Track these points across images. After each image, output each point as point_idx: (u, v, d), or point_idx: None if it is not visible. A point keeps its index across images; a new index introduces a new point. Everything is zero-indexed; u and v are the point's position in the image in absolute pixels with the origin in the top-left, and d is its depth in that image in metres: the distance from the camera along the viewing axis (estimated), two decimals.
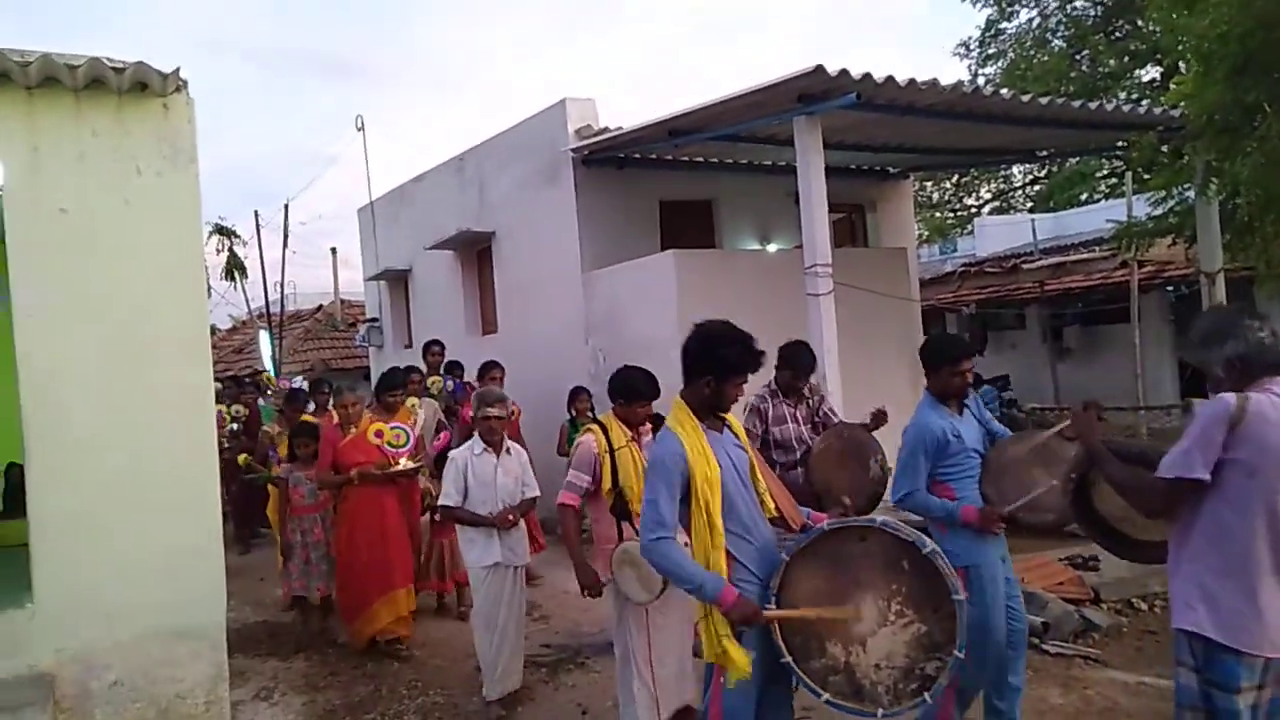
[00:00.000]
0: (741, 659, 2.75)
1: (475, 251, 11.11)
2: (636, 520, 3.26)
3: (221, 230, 24.28)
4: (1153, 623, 5.44)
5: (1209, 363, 2.66)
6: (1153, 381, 12.24)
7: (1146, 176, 9.89)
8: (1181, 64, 9.37)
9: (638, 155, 8.95)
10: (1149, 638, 5.22)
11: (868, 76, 6.14)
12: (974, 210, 21.75)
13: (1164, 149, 8.26)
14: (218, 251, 24.22)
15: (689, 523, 2.86)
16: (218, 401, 7.57)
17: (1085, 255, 13.48)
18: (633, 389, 4.11)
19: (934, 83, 6.48)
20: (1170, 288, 13.11)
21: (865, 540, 2.76)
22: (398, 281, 13.12)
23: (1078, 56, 16.90)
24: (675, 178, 9.43)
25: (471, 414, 5.18)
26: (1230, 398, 2.51)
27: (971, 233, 20.61)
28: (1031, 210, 20.17)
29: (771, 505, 3.03)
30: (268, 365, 16.41)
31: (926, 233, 20.60)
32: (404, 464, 5.68)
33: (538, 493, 4.97)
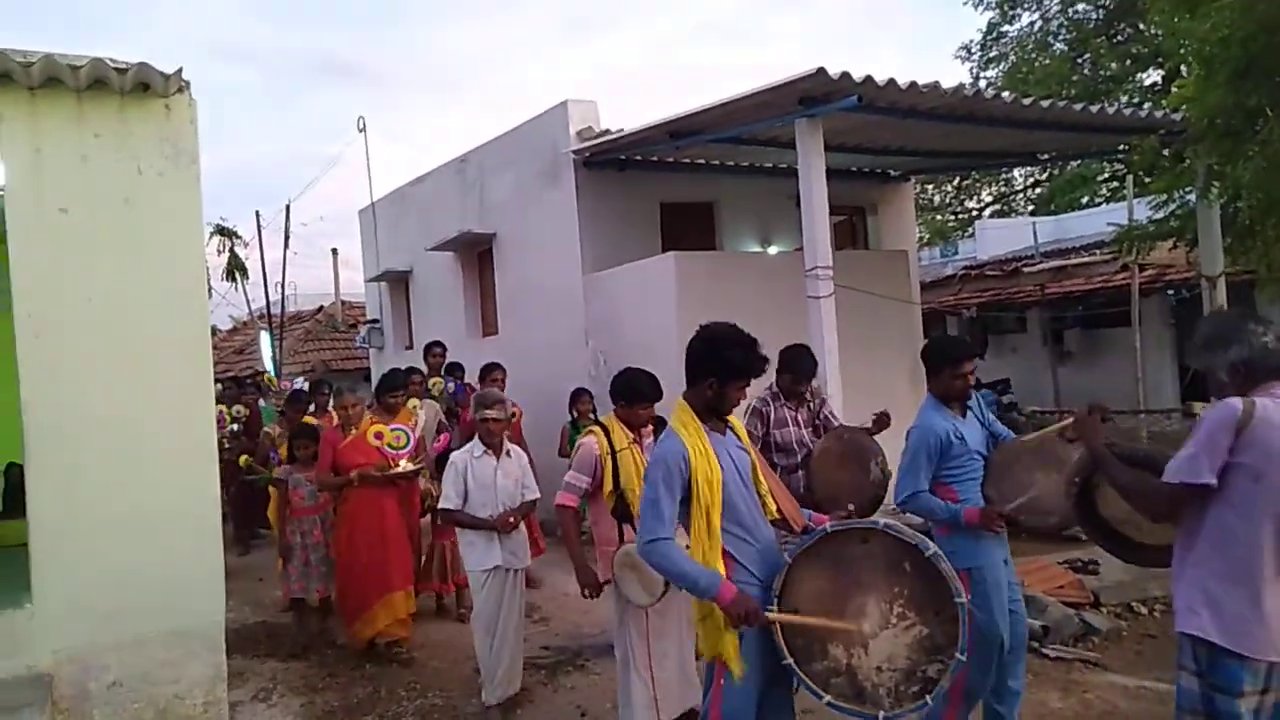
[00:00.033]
0: (734, 660, 2.75)
1: (476, 253, 11.11)
2: (638, 522, 3.25)
3: (223, 231, 24.34)
4: (1152, 627, 5.43)
5: (1213, 367, 2.66)
6: (1153, 385, 12.23)
7: (1148, 180, 9.87)
8: (1183, 67, 9.36)
9: (639, 157, 8.96)
10: (1149, 642, 5.22)
11: (869, 79, 6.14)
12: (975, 213, 21.76)
13: (1165, 152, 8.25)
14: (219, 252, 24.30)
15: (689, 524, 2.86)
16: (218, 402, 7.58)
17: (1086, 259, 13.45)
18: (636, 391, 4.11)
19: (935, 85, 6.49)
20: (1171, 291, 13.09)
21: (867, 542, 2.76)
22: (398, 283, 13.13)
23: (1079, 60, 16.91)
24: (676, 180, 9.44)
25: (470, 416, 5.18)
26: (1236, 402, 2.51)
27: (972, 236, 20.60)
28: (1032, 213, 20.18)
29: (774, 507, 3.03)
30: (268, 366, 16.41)
31: (927, 235, 20.61)
32: (404, 466, 5.68)
33: (538, 495, 4.96)
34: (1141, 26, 15.53)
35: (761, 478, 3.04)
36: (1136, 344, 11.22)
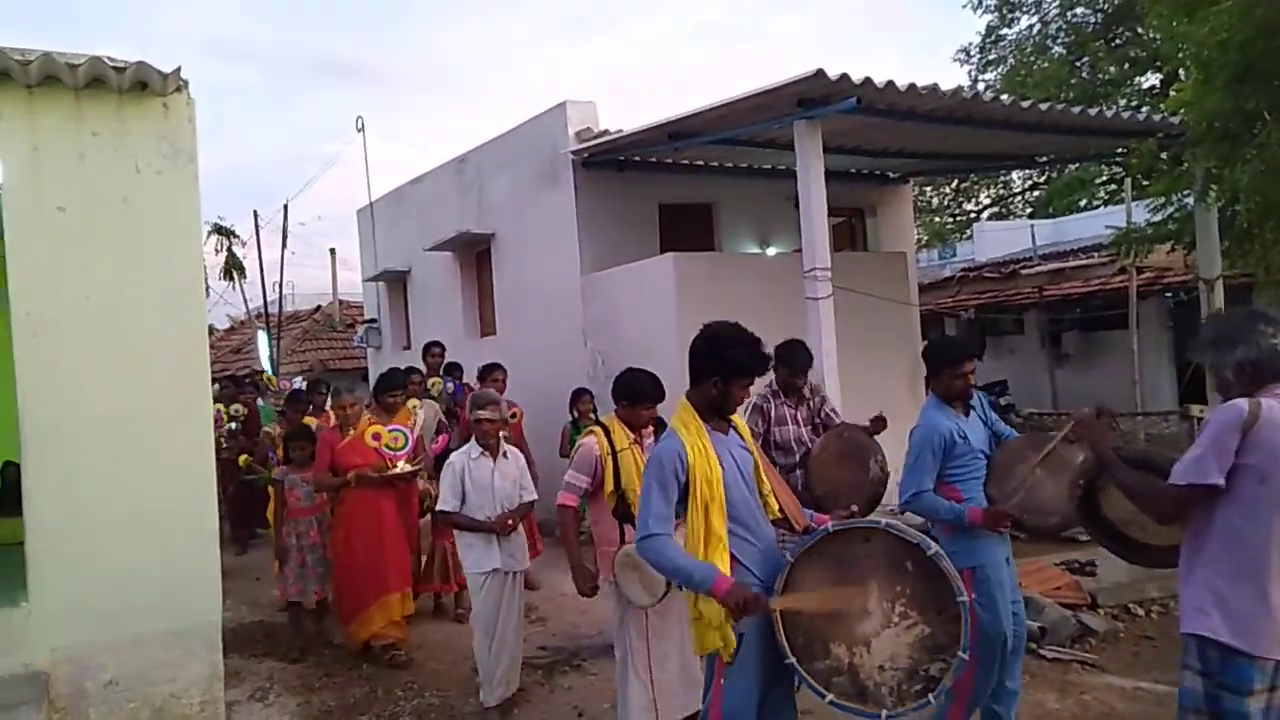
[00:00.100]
0: (730, 638, 2.75)
1: (474, 253, 11.11)
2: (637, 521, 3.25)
3: (220, 230, 24.34)
4: (1149, 628, 5.44)
5: (1219, 366, 2.65)
6: (1151, 388, 12.25)
7: (1146, 183, 9.90)
8: (1181, 71, 9.39)
9: (638, 158, 8.96)
10: (1146, 643, 5.23)
11: (868, 81, 6.14)
12: (973, 215, 21.83)
13: (1163, 156, 8.27)
14: (216, 251, 24.31)
15: (687, 521, 2.86)
16: (216, 401, 7.57)
17: (1084, 261, 13.46)
18: (638, 391, 4.11)
19: (934, 88, 6.49)
20: (1169, 294, 13.12)
21: (869, 541, 2.76)
22: (396, 283, 13.12)
23: (1078, 63, 16.96)
24: (675, 181, 9.44)
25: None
26: (1243, 403, 2.51)
27: (970, 238, 20.64)
28: (1031, 216, 20.23)
29: (775, 506, 3.03)
30: (265, 365, 16.40)
31: (926, 237, 20.66)
32: (402, 467, 5.66)
33: (535, 496, 4.96)
34: (1140, 30, 15.57)
35: (764, 477, 3.04)
36: (1134, 347, 11.24)
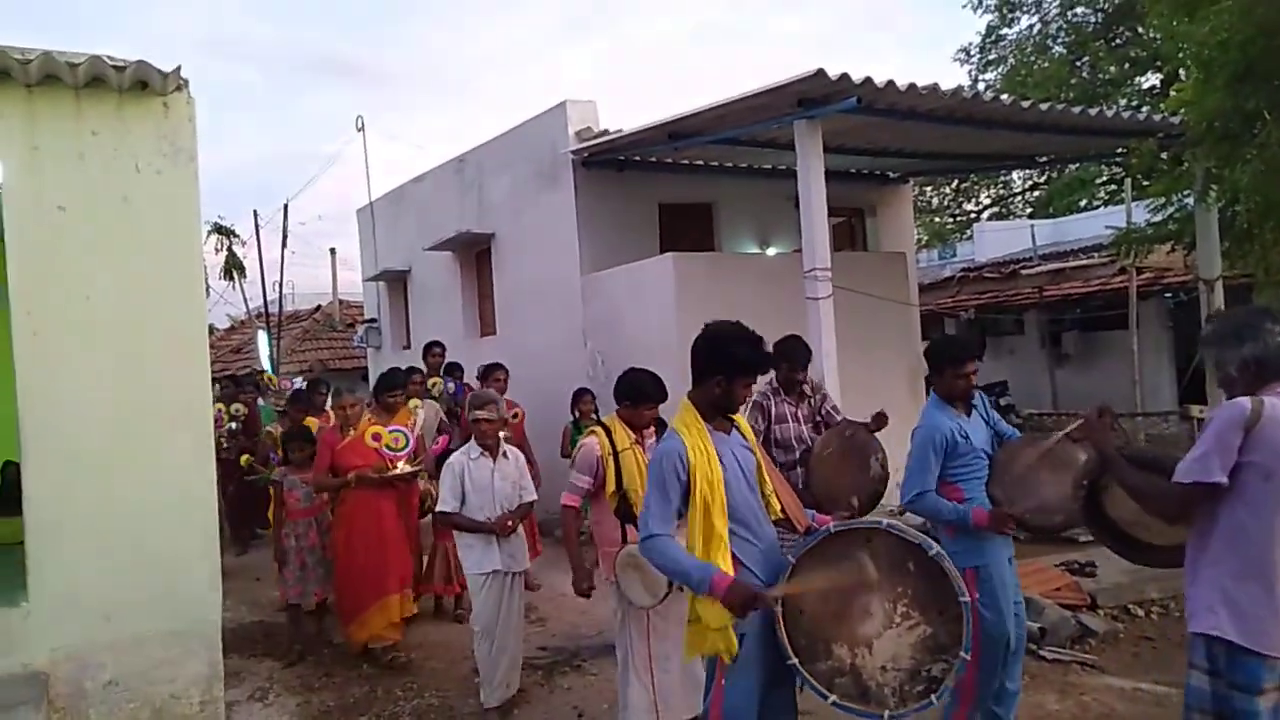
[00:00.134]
0: (731, 641, 2.75)
1: (474, 253, 11.11)
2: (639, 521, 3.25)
3: (220, 229, 24.28)
4: (1149, 629, 5.44)
5: (1224, 361, 2.65)
6: (1151, 388, 12.25)
7: (1146, 183, 9.90)
8: (1182, 71, 9.39)
9: (638, 158, 8.96)
10: (1145, 644, 5.23)
11: (868, 81, 6.14)
12: (973, 215, 21.83)
13: (1164, 156, 8.26)
14: (216, 251, 24.24)
15: (688, 522, 2.86)
16: (216, 401, 7.56)
17: (1084, 261, 13.45)
18: (640, 391, 4.10)
19: (934, 88, 6.49)
20: (1169, 294, 13.11)
21: (871, 542, 2.76)
22: (396, 282, 13.12)
23: (1078, 63, 16.97)
24: (675, 181, 9.44)
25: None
26: (1245, 401, 2.51)
27: (971, 238, 20.64)
28: (1031, 216, 20.23)
29: (777, 506, 3.03)
30: (266, 365, 16.39)
31: (926, 238, 20.67)
32: (402, 468, 5.65)
33: (535, 497, 4.94)
34: (1140, 30, 15.58)
35: (766, 477, 3.04)
36: (1134, 347, 11.24)
